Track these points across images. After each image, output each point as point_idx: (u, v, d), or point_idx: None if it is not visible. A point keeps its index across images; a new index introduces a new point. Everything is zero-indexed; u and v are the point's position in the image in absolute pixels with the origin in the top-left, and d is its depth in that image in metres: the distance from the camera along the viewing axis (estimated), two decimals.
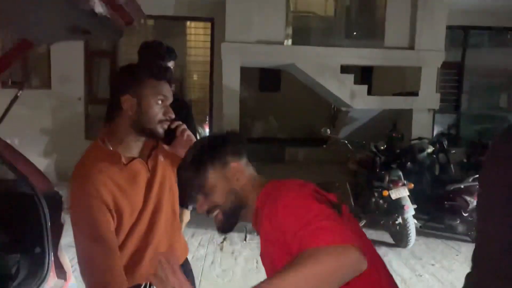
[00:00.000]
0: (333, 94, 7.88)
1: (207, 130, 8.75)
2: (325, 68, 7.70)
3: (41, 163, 6.06)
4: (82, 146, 1.57)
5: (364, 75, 9.84)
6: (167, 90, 1.48)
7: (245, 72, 8.03)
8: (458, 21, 8.40)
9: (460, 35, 9.02)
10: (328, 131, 5.88)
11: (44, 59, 7.57)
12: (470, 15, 8.42)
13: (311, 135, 10.59)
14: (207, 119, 9.06)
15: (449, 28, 8.28)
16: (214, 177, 1.21)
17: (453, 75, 8.96)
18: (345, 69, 8.23)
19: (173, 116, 1.49)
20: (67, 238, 1.86)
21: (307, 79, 8.21)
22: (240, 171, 1.24)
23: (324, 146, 6.54)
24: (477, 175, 4.91)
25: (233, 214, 1.23)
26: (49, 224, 2.01)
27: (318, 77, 7.72)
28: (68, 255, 2.22)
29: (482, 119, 9.90)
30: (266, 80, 11.39)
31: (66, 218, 1.95)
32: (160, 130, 1.46)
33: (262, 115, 11.56)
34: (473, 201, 4.68)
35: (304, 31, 9.10)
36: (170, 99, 1.49)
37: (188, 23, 9.99)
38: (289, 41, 8.12)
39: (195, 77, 10.78)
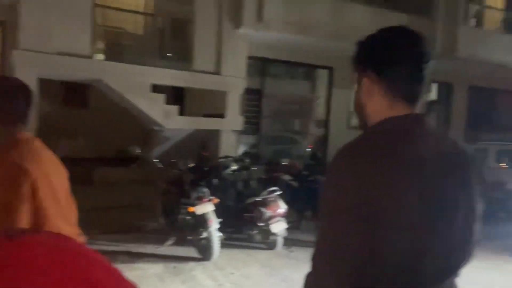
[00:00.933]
0: (144, 113, 7.83)
1: None
2: (136, 86, 7.61)
3: None
4: None
5: (177, 95, 10.11)
6: None
7: (46, 85, 7.29)
8: (258, 52, 9.48)
9: (260, 66, 10.16)
10: (137, 149, 5.80)
11: None
12: (269, 48, 9.60)
13: (123, 154, 10.21)
14: None
15: (251, 58, 9.26)
16: None
17: (254, 100, 9.98)
18: (158, 89, 8.31)
19: None
20: None
21: (117, 97, 7.96)
22: None
23: (134, 165, 6.42)
24: (271, 188, 5.57)
25: None
26: None
27: (129, 95, 7.58)
28: None
29: (279, 140, 11.31)
30: (71, 95, 10.56)
31: None
32: None
33: (66, 132, 10.60)
34: (267, 212, 5.26)
35: (117, 47, 8.86)
36: None
37: None
38: (100, 56, 7.76)
39: None
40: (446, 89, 12.48)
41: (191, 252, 5.06)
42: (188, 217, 5.04)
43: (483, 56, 10.86)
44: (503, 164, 9.22)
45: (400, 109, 1.14)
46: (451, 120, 12.52)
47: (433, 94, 12.51)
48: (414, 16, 10.25)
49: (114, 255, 4.88)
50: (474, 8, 12.04)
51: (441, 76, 11.13)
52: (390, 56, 1.15)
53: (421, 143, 1.09)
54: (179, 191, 5.36)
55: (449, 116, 12.52)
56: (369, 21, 9.53)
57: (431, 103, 12.20)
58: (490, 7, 12.64)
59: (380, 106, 1.16)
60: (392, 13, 10.00)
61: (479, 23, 12.35)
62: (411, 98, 1.15)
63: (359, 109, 1.22)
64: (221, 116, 8.71)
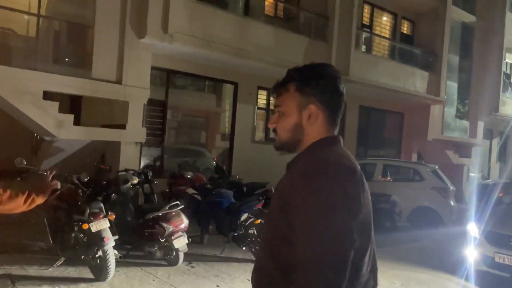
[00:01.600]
0: (34, 122, 7.18)
1: None
2: (25, 93, 6.95)
3: None
4: None
5: (72, 104, 9.44)
6: None
7: None
8: (162, 64, 9.31)
9: (165, 77, 9.97)
10: (24, 162, 5.27)
11: None
12: (173, 60, 9.48)
13: (7, 167, 9.20)
14: None
15: (155, 69, 9.06)
16: None
17: (158, 111, 9.74)
18: (50, 97, 7.68)
19: None
20: None
21: (2, 103, 7.19)
22: None
23: (19, 179, 5.80)
24: (173, 203, 5.45)
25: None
26: None
27: (16, 102, 6.90)
28: None
29: (183, 152, 11.17)
30: None
31: None
32: None
33: None
34: (169, 227, 5.12)
35: (4, 49, 8.02)
36: None
37: None
38: None
39: None
40: None
41: (84, 272, 4.72)
42: (81, 235, 4.69)
43: (371, 79, 12.01)
44: (388, 178, 10.21)
45: (333, 132, 1.38)
46: (344, 137, 13.50)
47: None
48: (313, 39, 11.00)
49: None
50: (364, 35, 13.31)
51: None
52: (335, 89, 1.36)
53: (352, 157, 1.34)
54: (71, 207, 4.96)
55: (343, 134, 13.53)
56: (272, 41, 10.00)
57: None
58: (378, 36, 14.05)
59: (319, 131, 1.35)
60: (293, 34, 10.59)
61: (369, 49, 13.67)
62: (338, 123, 1.40)
63: (294, 131, 1.35)
64: (121, 127, 8.32)
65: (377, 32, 14.16)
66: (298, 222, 1.20)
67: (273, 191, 1.48)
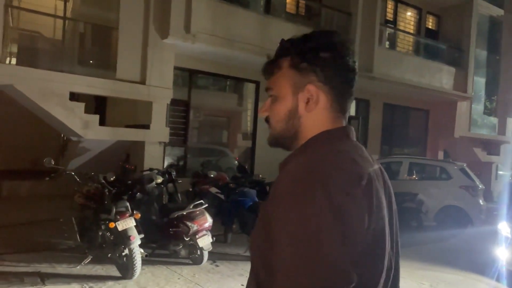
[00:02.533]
0: (61, 123, 7.34)
1: None
2: (52, 94, 7.12)
3: None
4: None
5: (97, 105, 9.62)
6: None
7: None
8: (185, 64, 9.37)
9: (188, 77, 10.04)
10: (52, 161, 5.37)
11: None
12: (195, 60, 9.54)
13: (36, 167, 9.46)
14: None
15: (178, 69, 9.12)
16: None
17: (181, 111, 9.82)
18: (76, 98, 7.83)
19: None
20: None
21: (30, 104, 7.38)
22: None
23: (47, 178, 5.93)
24: (197, 202, 5.46)
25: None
26: None
27: (43, 103, 7.06)
28: None
29: (206, 152, 11.22)
30: None
31: None
32: None
33: None
34: (193, 226, 5.13)
35: (31, 51, 8.24)
36: None
37: None
38: (12, 60, 7.16)
39: None
40: (364, 106, 13.29)
41: (111, 270, 4.78)
42: (108, 234, 4.75)
43: (396, 75, 11.79)
44: (414, 176, 9.99)
45: (340, 122, 1.03)
46: (368, 136, 13.33)
47: (352, 110, 13.28)
48: None
49: (22, 276, 4.45)
50: (388, 31, 13.08)
51: (358, 93, 11.86)
52: (343, 64, 1.01)
53: (365, 156, 1.01)
54: (98, 206, 5.04)
55: (366, 132, 13.33)
56: None
57: (351, 118, 12.93)
58: (402, 31, 13.79)
59: (321, 120, 1.01)
60: None
61: (393, 45, 13.43)
62: (347, 110, 1.05)
63: (288, 120, 1.02)
64: (145, 127, 8.43)
65: (401, 28, 13.90)
66: (276, 245, 0.89)
67: None
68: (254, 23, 9.45)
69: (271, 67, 1.05)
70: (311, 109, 1.00)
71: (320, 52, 1.00)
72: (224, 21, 8.84)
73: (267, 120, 1.08)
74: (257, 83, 10.95)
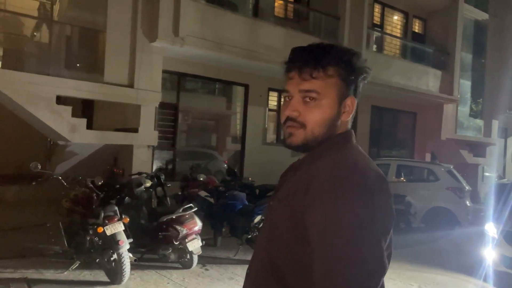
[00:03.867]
0: (47, 126, 7.25)
1: None
2: (38, 97, 7.03)
3: None
4: None
5: (84, 108, 9.53)
6: None
7: None
8: (173, 67, 9.34)
9: (176, 80, 10.01)
10: (39, 166, 5.30)
11: None
12: (184, 63, 9.51)
13: (22, 171, 9.32)
14: None
15: (166, 72, 9.09)
16: None
17: (170, 115, 9.78)
18: (63, 101, 7.75)
19: None
20: None
21: (17, 108, 7.28)
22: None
23: (34, 183, 5.85)
24: (187, 205, 5.43)
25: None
26: None
27: (30, 106, 6.97)
28: None
29: (195, 155, 11.17)
30: None
31: None
32: None
33: None
34: (183, 230, 5.10)
35: (18, 54, 8.13)
36: None
37: None
38: None
39: None
40: None
41: (99, 276, 4.72)
42: (96, 238, 4.70)
43: (383, 78, 11.90)
44: (402, 178, 10.08)
45: (350, 125, 1.21)
46: (356, 138, 13.37)
47: None
48: (324, 39, 10.93)
49: (7, 282, 4.37)
50: (375, 34, 13.21)
51: None
52: (364, 82, 1.18)
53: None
54: (86, 211, 4.99)
55: (354, 133, 13.38)
56: (282, 42, 9.96)
57: None
58: (389, 35, 13.94)
59: (345, 127, 1.18)
60: (304, 35, 10.55)
61: (380, 49, 13.57)
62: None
63: (330, 125, 1.13)
64: (134, 130, 8.36)
65: (388, 31, 14.05)
66: (323, 242, 0.94)
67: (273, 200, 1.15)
68: (243, 26, 9.47)
69: (316, 71, 1.09)
70: (346, 118, 1.15)
71: (362, 71, 1.14)
72: (212, 24, 8.84)
73: (292, 119, 1.12)
74: (246, 86, 10.97)
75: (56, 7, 8.89)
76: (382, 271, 0.94)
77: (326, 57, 1.10)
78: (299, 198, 1.01)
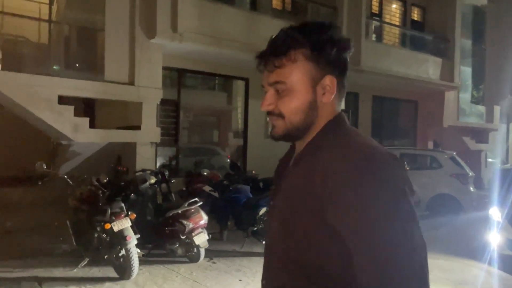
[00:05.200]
0: (50, 127, 7.28)
1: None
2: (40, 98, 7.06)
3: None
4: None
5: (87, 107, 9.55)
6: None
7: None
8: (173, 63, 9.35)
9: (177, 76, 10.01)
10: (44, 166, 5.35)
11: None
12: (183, 59, 9.51)
13: (26, 173, 9.37)
14: None
15: (166, 69, 9.09)
16: None
17: (171, 111, 9.79)
18: (65, 101, 7.77)
19: None
20: None
21: (19, 109, 7.31)
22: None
23: (40, 183, 5.90)
24: (192, 200, 5.47)
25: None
26: None
27: (32, 107, 7.00)
28: None
29: (198, 151, 11.21)
30: None
31: None
32: None
33: None
34: (189, 224, 5.15)
35: (16, 56, 8.15)
36: None
37: None
38: None
39: None
40: (353, 99, 13.37)
41: (108, 272, 4.78)
42: (103, 235, 4.75)
43: (383, 68, 11.88)
44: (406, 167, 10.09)
45: (340, 107, 1.12)
46: (358, 128, 13.37)
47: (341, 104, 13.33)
48: None
49: (20, 281, 4.43)
50: (374, 24, 13.17)
51: (347, 86, 11.92)
52: (345, 55, 1.08)
53: None
54: (93, 208, 5.03)
55: (356, 125, 13.41)
56: None
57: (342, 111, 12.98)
58: (388, 23, 13.88)
59: (332, 108, 1.09)
60: None
61: (379, 38, 13.52)
62: (343, 99, 1.14)
63: (308, 111, 1.06)
64: (136, 128, 8.39)
65: (387, 20, 13.99)
66: (359, 225, 0.90)
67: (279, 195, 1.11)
68: (241, 20, 9.45)
69: (279, 60, 1.04)
70: (328, 100, 1.06)
71: (334, 45, 1.04)
72: (210, 19, 8.83)
73: (271, 113, 1.09)
74: (246, 80, 10.96)
75: (54, 8, 8.89)
76: (425, 247, 0.95)
77: (285, 42, 1.04)
78: (315, 191, 0.96)
